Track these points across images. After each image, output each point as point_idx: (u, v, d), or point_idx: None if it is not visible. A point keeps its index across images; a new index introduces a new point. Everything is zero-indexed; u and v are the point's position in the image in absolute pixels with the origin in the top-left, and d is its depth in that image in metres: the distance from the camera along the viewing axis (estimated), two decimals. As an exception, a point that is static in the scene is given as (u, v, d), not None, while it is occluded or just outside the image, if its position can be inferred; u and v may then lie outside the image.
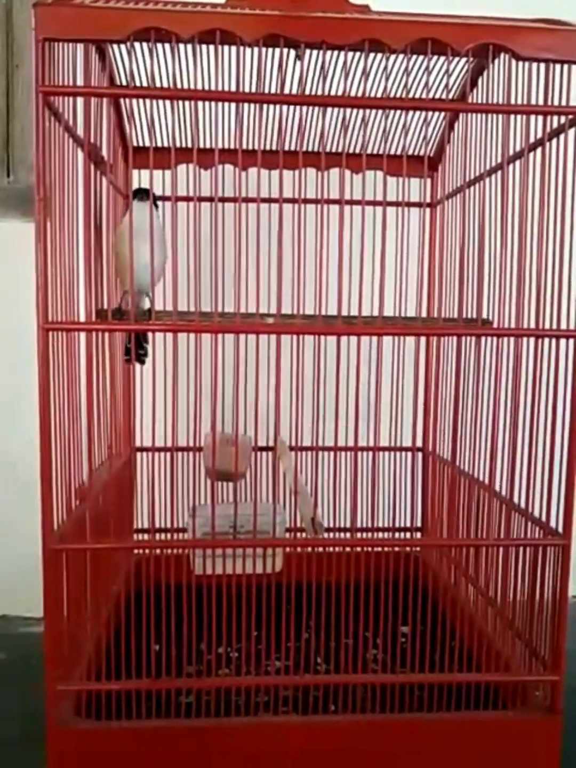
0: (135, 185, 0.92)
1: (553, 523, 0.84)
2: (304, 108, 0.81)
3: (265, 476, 1.19)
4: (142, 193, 0.92)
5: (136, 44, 0.76)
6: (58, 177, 0.79)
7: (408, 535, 1.21)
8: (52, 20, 0.71)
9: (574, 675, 0.86)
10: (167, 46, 0.74)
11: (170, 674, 0.84)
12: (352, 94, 0.80)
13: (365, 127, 0.80)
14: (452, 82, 0.94)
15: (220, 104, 0.78)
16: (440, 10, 0.77)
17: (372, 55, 0.75)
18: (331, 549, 0.96)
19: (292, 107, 0.93)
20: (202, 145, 1.07)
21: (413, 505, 0.96)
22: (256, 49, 0.74)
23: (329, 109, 0.81)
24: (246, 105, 0.88)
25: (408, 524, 1.12)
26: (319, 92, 0.79)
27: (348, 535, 0.86)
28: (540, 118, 0.79)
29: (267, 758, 0.82)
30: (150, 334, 0.98)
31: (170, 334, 0.79)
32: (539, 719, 0.84)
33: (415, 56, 0.75)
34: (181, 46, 0.73)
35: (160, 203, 1.01)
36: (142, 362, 1.03)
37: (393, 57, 0.76)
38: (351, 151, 1.05)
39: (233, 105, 0.92)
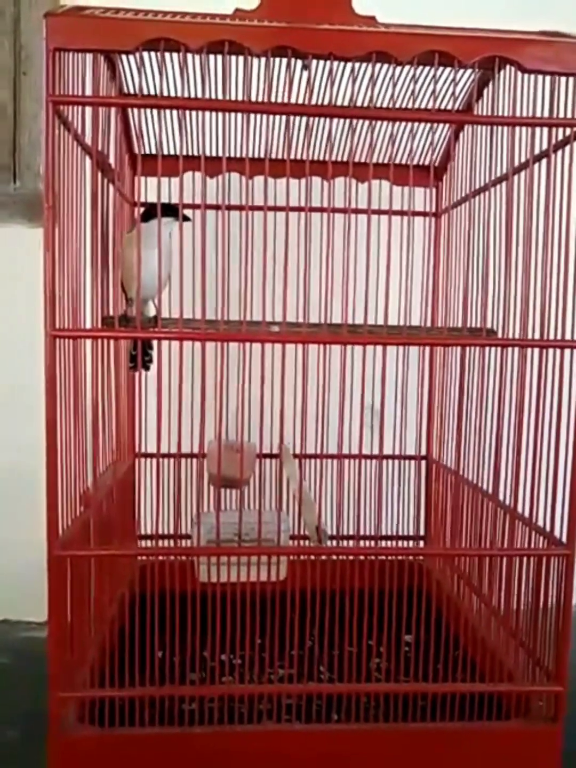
0: (142, 194, 0.92)
1: (557, 533, 0.84)
2: (311, 117, 0.81)
3: (269, 484, 1.18)
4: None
5: (145, 54, 0.76)
6: (67, 185, 0.80)
7: (412, 543, 1.20)
8: (62, 30, 0.71)
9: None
10: (176, 56, 0.74)
11: (173, 681, 0.84)
12: (359, 102, 0.81)
13: (372, 133, 0.80)
14: (459, 91, 0.94)
15: (227, 113, 0.78)
16: (446, 20, 0.77)
17: (379, 63, 0.76)
18: (335, 557, 0.95)
19: (299, 116, 0.94)
20: (209, 154, 1.07)
21: (417, 514, 0.96)
22: (263, 60, 0.75)
23: (336, 119, 0.82)
24: (253, 114, 0.88)
25: (412, 533, 1.11)
26: (327, 101, 0.79)
27: (352, 543, 0.86)
28: (545, 129, 0.80)
29: (269, 766, 0.82)
30: (155, 341, 0.99)
31: (176, 341, 0.80)
32: (542, 729, 0.84)
33: (421, 67, 0.76)
34: (190, 56, 0.74)
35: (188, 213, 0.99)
36: (147, 368, 1.03)
37: (399, 66, 0.77)
38: (357, 160, 1.05)
39: (240, 114, 0.92)
